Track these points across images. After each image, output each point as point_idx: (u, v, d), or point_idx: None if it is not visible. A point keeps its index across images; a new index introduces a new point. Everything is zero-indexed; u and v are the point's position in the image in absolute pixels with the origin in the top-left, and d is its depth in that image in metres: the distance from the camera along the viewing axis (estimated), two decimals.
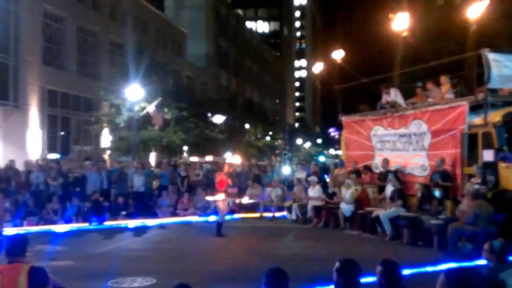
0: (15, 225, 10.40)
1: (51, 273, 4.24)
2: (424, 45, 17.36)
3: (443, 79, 11.33)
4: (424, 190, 10.38)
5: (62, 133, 26.02)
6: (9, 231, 8.63)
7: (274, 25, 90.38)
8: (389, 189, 11.12)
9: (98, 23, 28.74)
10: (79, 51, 27.55)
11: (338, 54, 14.86)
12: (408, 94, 13.01)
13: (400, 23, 13.10)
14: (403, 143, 11.97)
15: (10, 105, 22.41)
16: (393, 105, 12.50)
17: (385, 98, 12.95)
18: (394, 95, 12.73)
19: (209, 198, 12.97)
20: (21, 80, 22.73)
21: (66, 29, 26.28)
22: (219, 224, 11.12)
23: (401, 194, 10.77)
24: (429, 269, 7.14)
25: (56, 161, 16.62)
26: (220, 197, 11.12)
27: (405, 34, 14.63)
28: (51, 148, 24.49)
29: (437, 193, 10.05)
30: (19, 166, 14.90)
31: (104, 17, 29.81)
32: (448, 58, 12.21)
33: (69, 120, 26.48)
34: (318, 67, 16.46)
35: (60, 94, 25.53)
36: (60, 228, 11.96)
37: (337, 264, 3.52)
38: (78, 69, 27.11)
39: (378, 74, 14.54)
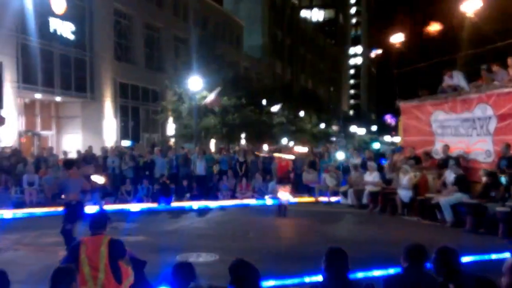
0: (94, 204, 11.42)
1: (127, 246, 4.67)
2: (489, 26, 16.50)
3: (511, 60, 10.82)
4: (489, 176, 10.06)
5: (133, 122, 27.81)
6: (91, 208, 9.52)
7: (329, 13, 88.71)
8: (450, 175, 10.87)
9: (162, 19, 30.17)
10: (146, 46, 29.18)
11: (397, 38, 14.55)
12: (472, 77, 12.54)
13: (470, 4, 12.56)
14: (466, 128, 11.58)
15: (88, 97, 24.33)
16: (456, 89, 12.11)
17: (447, 81, 12.56)
18: (456, 78, 12.31)
19: (271, 196, 13.54)
20: (96, 74, 24.54)
21: (134, 25, 27.93)
22: (283, 206, 11.55)
23: (464, 181, 10.51)
24: (494, 256, 6.97)
25: (128, 147, 17.95)
26: (283, 194, 11.65)
27: (471, 15, 14.01)
28: (123, 135, 26.34)
29: (503, 179, 9.72)
30: (96, 151, 16.30)
31: (168, 13, 31.21)
32: None
33: (138, 110, 28.22)
34: (376, 52, 16.24)
35: (130, 86, 27.27)
36: (133, 207, 12.95)
37: (405, 249, 3.61)
38: (145, 62, 28.81)
39: (439, 57, 14.10)
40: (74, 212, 7.36)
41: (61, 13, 21.70)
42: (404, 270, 3.62)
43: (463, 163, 11.16)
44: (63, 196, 7.78)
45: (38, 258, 7.43)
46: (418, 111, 13.28)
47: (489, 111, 10.82)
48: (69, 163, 8.14)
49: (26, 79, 20.49)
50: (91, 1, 24.22)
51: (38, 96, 22.17)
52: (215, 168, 15.98)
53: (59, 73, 22.50)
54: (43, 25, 20.98)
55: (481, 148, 11.09)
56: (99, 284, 4.29)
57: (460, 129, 11.81)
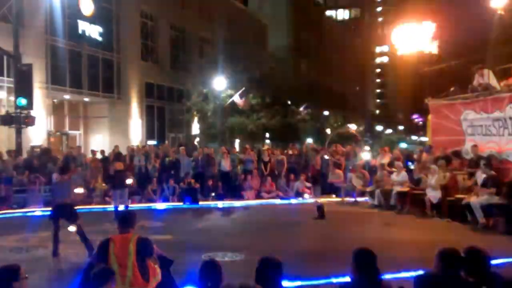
0: (122, 203, 11.60)
1: (155, 244, 4.67)
2: None
3: None
4: None
5: (158, 122, 28.18)
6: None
7: (355, 12, 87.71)
8: (480, 176, 10.56)
9: (187, 20, 30.44)
10: (172, 46, 29.53)
11: (424, 36, 14.19)
12: (502, 75, 12.18)
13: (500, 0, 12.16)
14: (498, 127, 11.25)
15: (115, 97, 24.88)
16: (487, 88, 11.77)
17: (477, 80, 12.21)
18: (487, 77, 11.97)
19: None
20: (123, 74, 25.07)
21: (160, 27, 28.30)
22: (321, 207, 11.51)
23: (495, 181, 10.17)
24: None
25: (154, 146, 18.23)
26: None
27: (500, 12, 13.55)
28: (149, 135, 26.75)
29: None
30: (123, 151, 16.44)
31: (193, 14, 31.48)
32: None
33: (164, 110, 28.56)
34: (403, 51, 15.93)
35: (156, 87, 27.66)
36: (159, 206, 13.11)
37: (439, 252, 3.54)
38: (171, 63, 29.15)
39: (469, 56, 13.73)
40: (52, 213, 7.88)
41: (89, 16, 22.16)
42: (436, 271, 3.53)
43: (495, 164, 10.81)
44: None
45: (67, 255, 7.59)
46: (447, 110, 12.97)
47: None
48: (61, 169, 8.57)
49: (55, 80, 21.04)
50: (118, 4, 24.69)
51: (66, 96, 22.74)
52: (240, 168, 16.01)
53: (87, 74, 23.05)
54: (71, 27, 21.51)
55: None
56: (127, 282, 4.32)
57: (491, 128, 11.48)
